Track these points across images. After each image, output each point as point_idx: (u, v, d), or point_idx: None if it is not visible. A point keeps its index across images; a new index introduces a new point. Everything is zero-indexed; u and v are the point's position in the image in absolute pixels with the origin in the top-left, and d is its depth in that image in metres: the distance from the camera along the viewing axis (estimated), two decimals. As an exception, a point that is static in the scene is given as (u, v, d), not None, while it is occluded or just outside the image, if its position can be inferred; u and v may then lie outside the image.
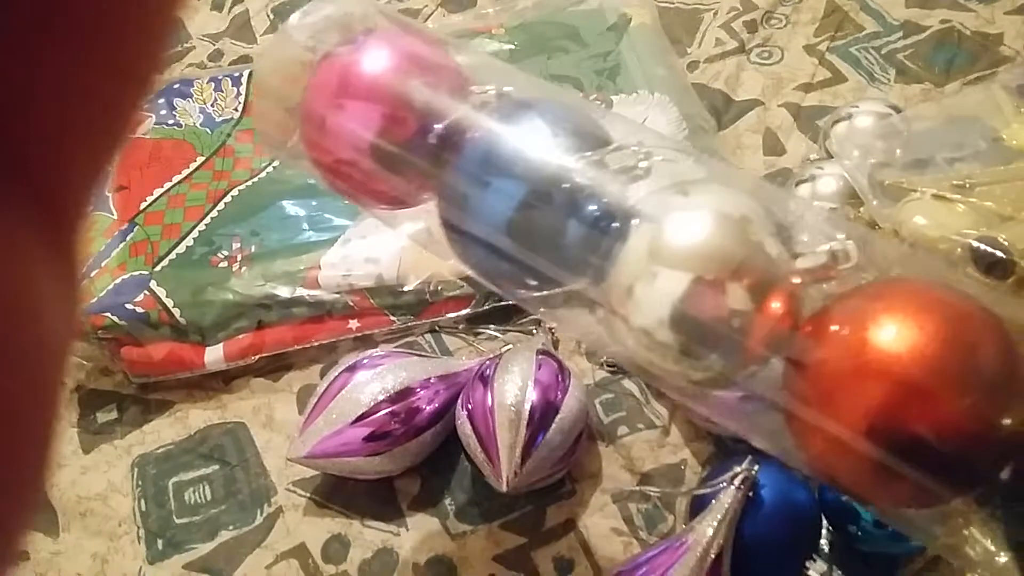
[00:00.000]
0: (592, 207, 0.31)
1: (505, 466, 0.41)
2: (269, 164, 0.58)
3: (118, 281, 0.51)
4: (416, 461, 0.45)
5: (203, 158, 0.59)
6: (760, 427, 0.30)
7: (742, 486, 0.38)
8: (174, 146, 0.60)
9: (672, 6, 0.69)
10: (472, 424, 0.42)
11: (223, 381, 0.52)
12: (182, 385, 0.52)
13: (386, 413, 0.44)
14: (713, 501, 0.38)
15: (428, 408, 0.44)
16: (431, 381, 0.45)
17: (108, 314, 0.50)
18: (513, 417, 0.41)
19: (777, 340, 0.27)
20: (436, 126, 0.35)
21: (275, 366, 0.52)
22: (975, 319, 0.26)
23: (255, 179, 0.57)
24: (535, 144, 0.33)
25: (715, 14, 0.67)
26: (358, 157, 0.36)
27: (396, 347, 0.51)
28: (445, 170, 0.35)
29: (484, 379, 0.43)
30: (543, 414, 0.41)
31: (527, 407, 0.41)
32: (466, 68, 0.38)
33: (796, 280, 0.27)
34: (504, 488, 0.41)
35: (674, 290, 0.27)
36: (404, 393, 0.44)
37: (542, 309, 0.37)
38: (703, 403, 0.33)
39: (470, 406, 0.43)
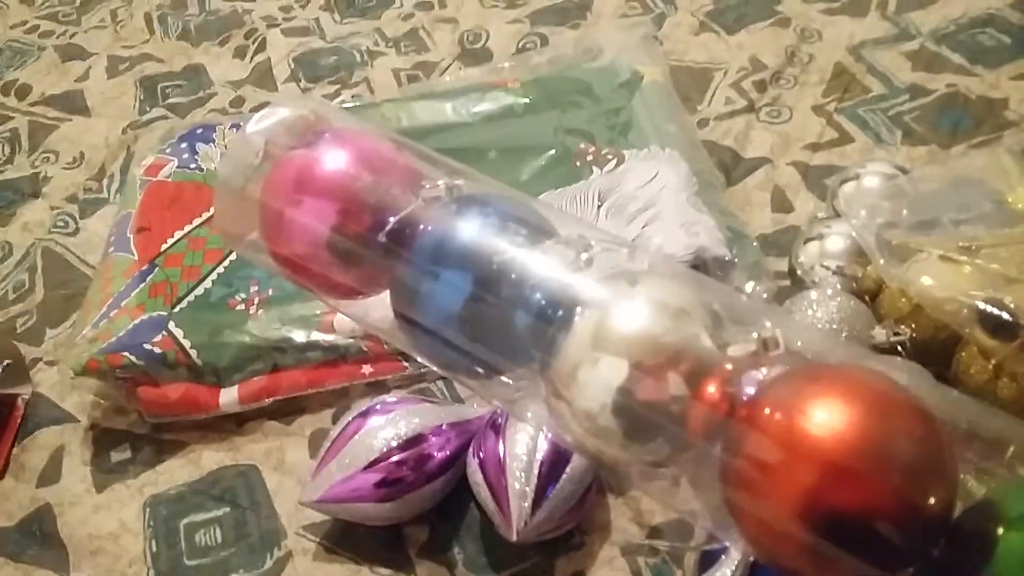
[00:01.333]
0: (538, 297, 0.33)
1: (515, 516, 0.41)
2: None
3: (137, 321, 0.52)
4: (426, 508, 0.46)
5: (223, 202, 0.60)
6: (706, 509, 0.31)
7: (750, 541, 0.38)
8: (195, 190, 0.61)
9: (683, 64, 0.70)
10: (483, 473, 0.43)
11: (236, 423, 0.53)
12: (196, 426, 0.53)
13: (397, 460, 0.44)
14: (723, 557, 0.38)
15: (439, 455, 0.45)
16: (443, 428, 0.46)
17: (126, 354, 0.50)
18: (524, 467, 0.42)
19: (713, 425, 0.28)
20: (389, 219, 0.37)
21: (288, 409, 0.53)
22: (899, 404, 0.26)
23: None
24: (483, 237, 0.35)
25: (725, 73, 0.69)
26: (315, 251, 0.39)
27: (408, 393, 0.51)
28: (397, 263, 0.36)
29: (496, 428, 0.44)
30: (554, 464, 0.42)
31: (539, 457, 0.42)
32: (417, 164, 0.40)
33: (729, 367, 0.29)
34: (514, 538, 0.41)
35: (615, 376, 0.29)
36: (416, 440, 0.45)
37: (495, 401, 0.38)
38: (651, 488, 0.34)
39: (482, 455, 0.44)
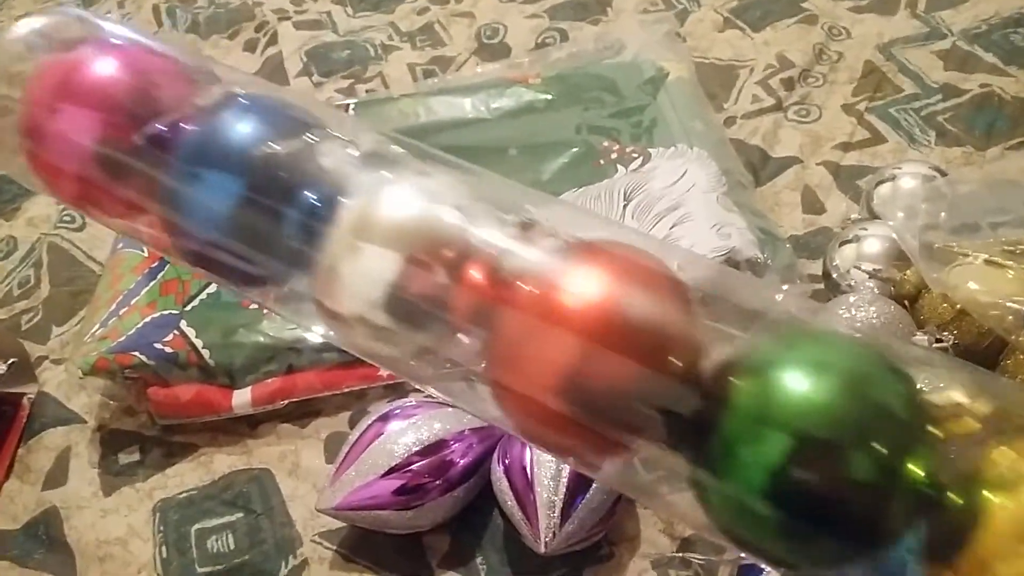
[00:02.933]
0: (307, 194, 0.31)
1: (543, 527, 0.39)
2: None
3: (147, 320, 0.50)
4: (448, 516, 0.44)
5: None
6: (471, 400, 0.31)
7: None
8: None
9: (707, 61, 0.69)
10: (509, 481, 0.41)
11: (249, 425, 0.51)
12: (207, 428, 0.51)
13: (419, 466, 0.43)
14: (764, 571, 0.36)
15: (462, 462, 0.43)
16: (465, 434, 0.44)
17: (136, 353, 0.49)
18: (553, 475, 0.40)
19: (479, 309, 0.28)
20: (157, 127, 0.34)
21: (302, 411, 0.51)
22: (647, 274, 0.27)
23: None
24: (250, 135, 0.33)
25: (751, 71, 0.67)
26: (81, 167, 0.35)
27: (427, 396, 0.50)
28: (162, 169, 0.34)
29: (523, 435, 0.42)
30: (583, 473, 0.40)
31: (567, 466, 0.40)
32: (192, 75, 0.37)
33: (493, 252, 0.29)
34: (542, 550, 0.40)
35: (381, 267, 0.29)
36: (438, 446, 0.43)
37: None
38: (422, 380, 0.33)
39: (507, 461, 0.42)
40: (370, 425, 0.44)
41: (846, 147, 0.60)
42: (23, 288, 0.62)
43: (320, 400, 0.51)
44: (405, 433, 0.43)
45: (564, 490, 0.40)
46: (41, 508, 0.49)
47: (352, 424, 0.50)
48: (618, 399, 0.26)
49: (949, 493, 0.22)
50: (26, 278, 0.63)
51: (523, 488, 0.40)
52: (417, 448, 0.43)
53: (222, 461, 0.50)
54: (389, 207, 0.29)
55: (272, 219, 0.31)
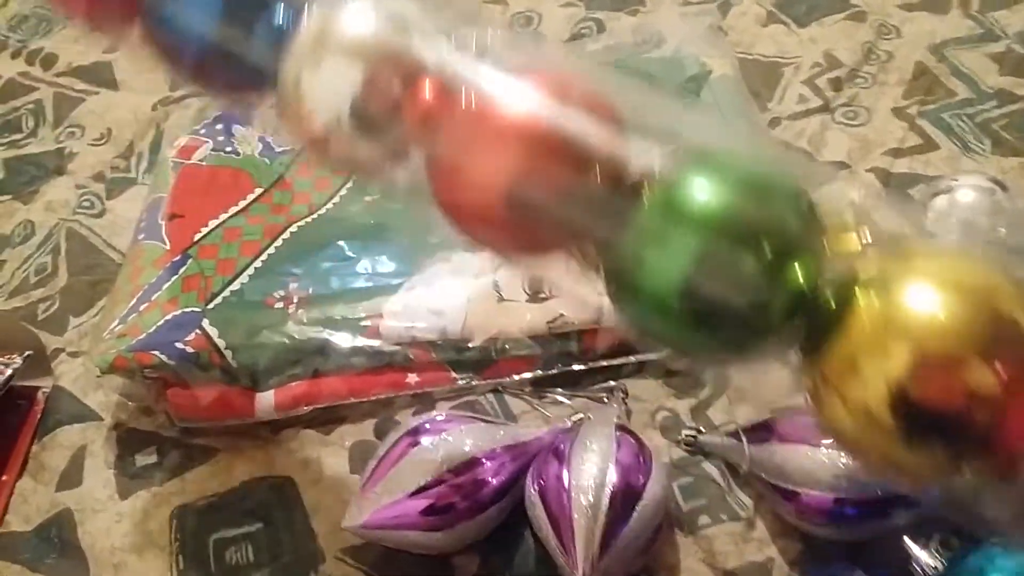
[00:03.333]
0: (280, 8, 0.32)
1: (581, 558, 0.37)
2: (328, 200, 0.55)
3: (168, 317, 0.49)
4: (478, 538, 0.42)
5: (261, 190, 0.56)
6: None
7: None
8: (231, 176, 0.57)
9: (750, 57, 0.66)
10: (544, 504, 0.39)
11: (271, 430, 0.49)
12: (227, 432, 0.49)
13: (449, 485, 0.41)
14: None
15: (494, 481, 0.41)
16: (497, 452, 0.42)
17: (156, 352, 0.47)
18: (592, 502, 0.38)
19: (429, 121, 0.29)
20: None
21: (326, 418, 0.49)
22: (580, 92, 0.28)
23: (314, 216, 0.54)
24: None
25: (796, 69, 0.65)
26: None
27: (456, 407, 0.48)
28: None
29: (559, 454, 0.40)
30: (625, 500, 0.38)
31: (607, 491, 0.38)
32: None
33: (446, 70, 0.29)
34: (579, 580, 0.38)
35: (350, 80, 0.29)
36: (469, 464, 0.41)
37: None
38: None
39: (542, 482, 0.40)
40: (399, 440, 0.42)
41: (897, 153, 0.58)
42: (40, 275, 0.60)
43: (345, 407, 0.49)
44: (436, 450, 0.42)
45: (604, 519, 0.38)
46: (55, 510, 0.48)
47: (378, 434, 0.48)
48: (554, 207, 0.27)
49: (826, 293, 0.25)
50: (43, 265, 0.61)
51: (559, 514, 0.39)
52: (447, 466, 0.41)
53: (242, 468, 0.48)
54: (351, 22, 0.30)
55: (247, 33, 0.32)
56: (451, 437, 0.42)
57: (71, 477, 0.49)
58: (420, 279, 0.49)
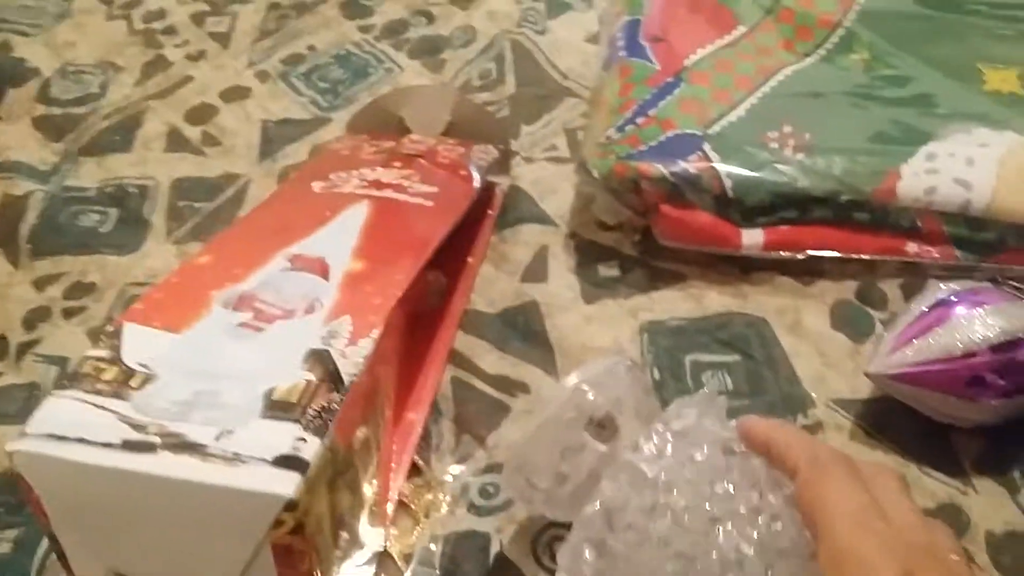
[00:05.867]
0: None
1: None
2: (816, 50, 0.52)
3: (669, 135, 0.48)
4: (995, 421, 0.40)
5: (745, 28, 0.54)
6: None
7: None
8: (713, 7, 0.55)
9: None
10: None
11: (741, 269, 0.48)
12: (695, 261, 0.49)
13: (986, 359, 0.38)
14: None
15: (1032, 366, 0.38)
16: (1037, 336, 0.39)
17: (659, 166, 0.46)
18: None
19: None
20: None
21: (803, 269, 0.48)
22: None
23: (803, 64, 0.52)
24: None
25: None
26: None
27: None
28: None
29: None
30: None
31: None
32: None
33: None
34: None
35: None
36: (1011, 344, 0.39)
37: None
38: None
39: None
40: (934, 306, 0.40)
41: None
42: (484, 80, 0.61)
43: (825, 261, 0.47)
44: (973, 322, 0.39)
45: None
46: (520, 299, 0.49)
47: (860, 297, 0.47)
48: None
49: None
50: (487, 71, 0.62)
51: None
52: (987, 343, 0.38)
53: (714, 299, 0.47)
54: None
55: None
56: (990, 314, 0.39)
57: (536, 272, 0.50)
58: (942, 146, 0.46)
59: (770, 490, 0.30)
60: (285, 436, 0.31)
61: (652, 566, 0.29)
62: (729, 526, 0.29)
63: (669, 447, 0.31)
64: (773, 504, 0.30)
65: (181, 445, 0.31)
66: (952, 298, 0.40)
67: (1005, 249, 0.45)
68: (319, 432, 0.31)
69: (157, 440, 0.31)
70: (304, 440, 0.31)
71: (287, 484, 0.29)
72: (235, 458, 0.30)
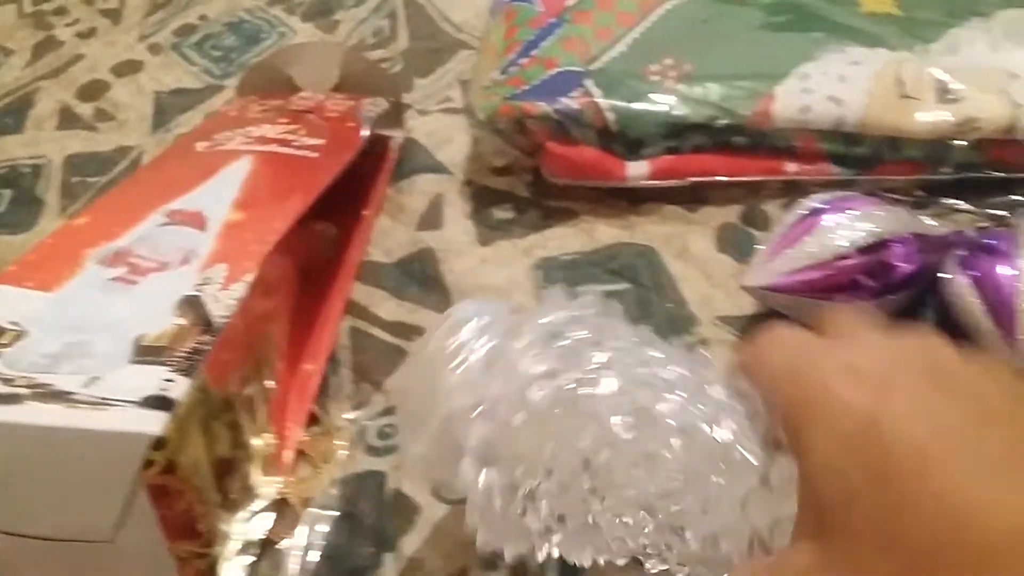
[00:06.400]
0: None
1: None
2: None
3: (553, 72, 0.48)
4: (877, 321, 0.41)
5: (626, -33, 0.54)
6: None
7: None
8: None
9: None
10: (982, 295, 0.37)
11: (629, 201, 0.49)
12: (585, 197, 0.49)
13: (855, 262, 0.39)
14: None
15: (903, 267, 0.40)
16: (907, 237, 0.40)
17: (543, 104, 0.47)
18: (1039, 292, 0.36)
19: None
20: None
21: (689, 197, 0.48)
22: None
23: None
24: None
25: None
26: None
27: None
28: None
29: (993, 251, 0.38)
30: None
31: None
32: None
33: None
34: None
35: None
36: (877, 247, 0.40)
37: None
38: None
39: (975, 274, 0.38)
40: (804, 216, 0.41)
41: None
42: (378, 37, 0.61)
43: (708, 187, 0.48)
44: (840, 228, 0.40)
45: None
46: (416, 247, 0.49)
47: (744, 220, 0.47)
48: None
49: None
50: (380, 28, 0.62)
51: (999, 303, 0.37)
52: (855, 246, 0.40)
53: (604, 231, 0.48)
54: None
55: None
56: (857, 219, 0.40)
57: (431, 220, 0.50)
58: (815, 66, 0.47)
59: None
60: (152, 378, 0.31)
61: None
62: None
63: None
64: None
65: (48, 394, 0.30)
66: (822, 206, 0.41)
67: (880, 162, 0.46)
68: (187, 372, 0.31)
69: (25, 391, 0.31)
70: (172, 380, 0.31)
71: (153, 423, 0.30)
72: (102, 402, 0.30)
